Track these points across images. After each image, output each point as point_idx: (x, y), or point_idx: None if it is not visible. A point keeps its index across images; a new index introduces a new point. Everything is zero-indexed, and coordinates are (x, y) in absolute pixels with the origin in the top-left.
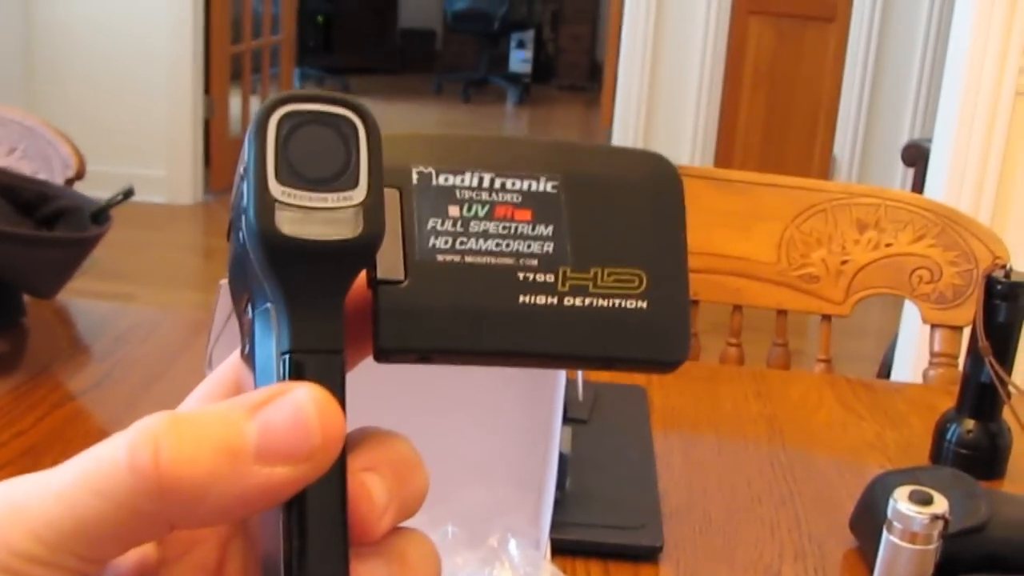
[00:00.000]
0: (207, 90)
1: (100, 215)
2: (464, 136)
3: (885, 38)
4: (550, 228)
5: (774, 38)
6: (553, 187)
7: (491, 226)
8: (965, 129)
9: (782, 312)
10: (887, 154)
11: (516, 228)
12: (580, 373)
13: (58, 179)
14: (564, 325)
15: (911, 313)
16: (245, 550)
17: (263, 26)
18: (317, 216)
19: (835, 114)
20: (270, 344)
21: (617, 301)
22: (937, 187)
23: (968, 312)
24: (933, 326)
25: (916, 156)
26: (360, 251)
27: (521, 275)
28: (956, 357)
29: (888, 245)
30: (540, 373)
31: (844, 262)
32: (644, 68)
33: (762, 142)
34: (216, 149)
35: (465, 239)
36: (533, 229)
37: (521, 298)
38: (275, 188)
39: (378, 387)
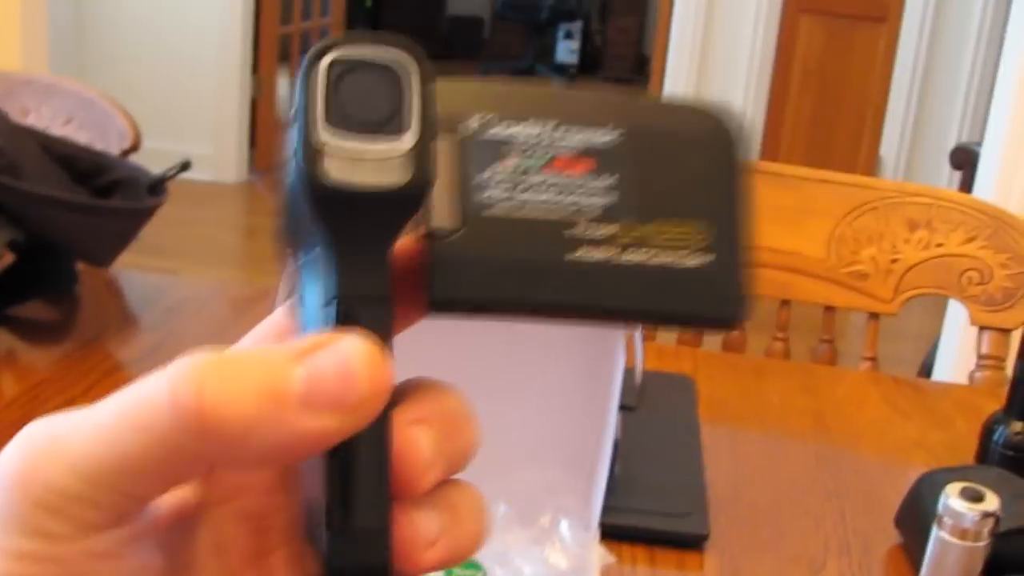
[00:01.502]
0: (255, 70)
1: (156, 187)
2: (526, 85)
3: (936, 39)
4: (610, 180)
5: (824, 37)
6: (615, 138)
7: (549, 177)
8: (1017, 132)
9: (829, 309)
10: (934, 156)
11: (575, 180)
12: (638, 361)
13: (113, 150)
14: (621, 279)
15: (955, 315)
16: (290, 503)
17: (313, 8)
18: (366, 162)
19: (883, 115)
20: (317, 291)
21: (677, 256)
22: (986, 190)
23: (1018, 315)
24: (981, 328)
25: (964, 160)
26: (409, 199)
27: (579, 228)
28: (1004, 360)
29: (939, 245)
30: (598, 359)
31: (894, 261)
32: (692, 63)
33: (808, 141)
34: (262, 129)
35: (522, 190)
36: (592, 181)
37: (578, 251)
38: (323, 133)
39: (434, 365)
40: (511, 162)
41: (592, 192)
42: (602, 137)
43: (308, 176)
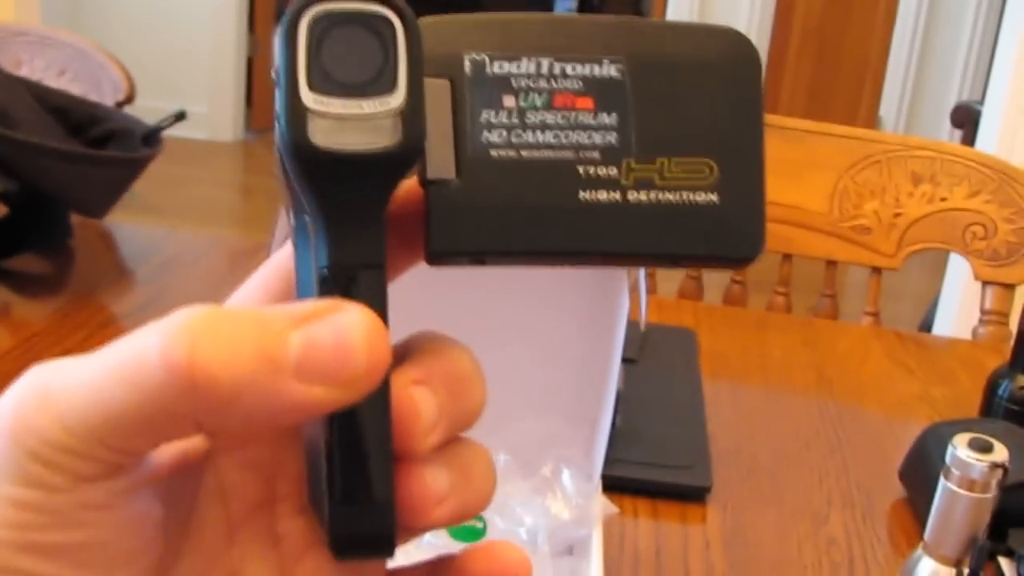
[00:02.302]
0: (251, 28)
1: (151, 137)
2: (521, 17)
3: None
4: (613, 116)
5: None
6: (618, 70)
7: (549, 116)
8: (1019, 89)
9: (831, 263)
10: (934, 115)
11: (576, 118)
12: (643, 313)
13: (108, 102)
14: (628, 221)
15: (955, 271)
16: (297, 453)
17: None
18: (353, 124)
19: (882, 75)
20: (309, 257)
21: (685, 193)
22: (988, 148)
23: (1022, 270)
24: (985, 283)
25: (965, 118)
26: (399, 160)
27: (582, 169)
28: (1007, 315)
29: (943, 199)
30: (601, 310)
31: (897, 215)
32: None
33: (807, 101)
34: (259, 87)
35: (521, 132)
36: (595, 118)
37: (581, 194)
38: (307, 96)
39: (435, 315)
40: (509, 103)
41: (595, 130)
42: (604, 70)
43: (293, 141)
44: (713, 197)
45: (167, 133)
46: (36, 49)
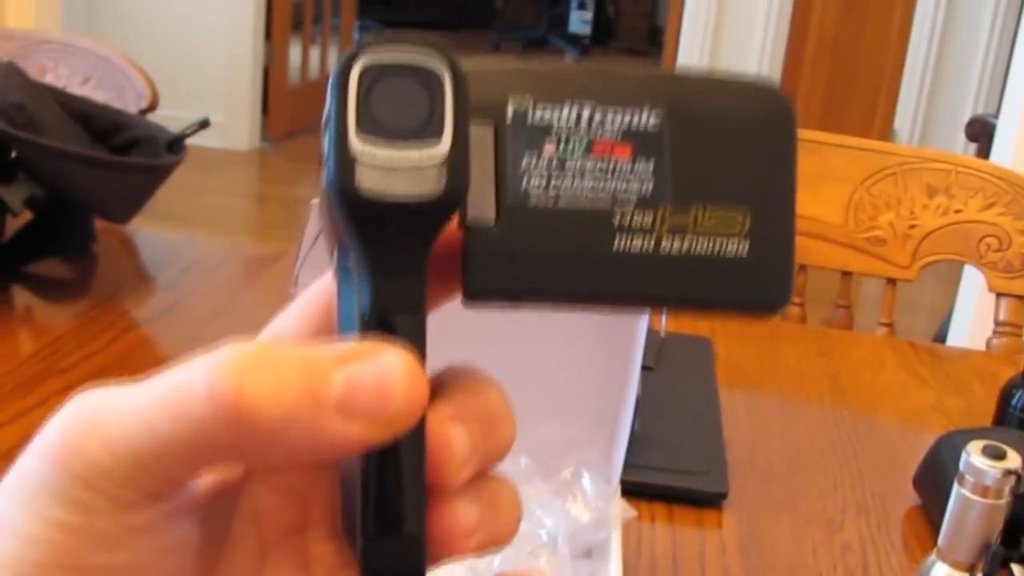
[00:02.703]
0: (268, 37)
1: (175, 145)
2: (564, 66)
3: (952, 10)
4: (650, 164)
5: (839, 8)
6: (656, 120)
7: (588, 164)
8: None
9: (846, 274)
10: (948, 128)
11: (615, 166)
12: (663, 322)
13: (131, 109)
14: (660, 268)
15: (971, 283)
16: (332, 480)
17: None
18: (398, 172)
19: (897, 87)
20: (352, 295)
21: (717, 242)
22: (1003, 161)
23: None
24: (999, 295)
25: (980, 131)
26: (442, 208)
27: (617, 216)
28: (1021, 327)
29: (957, 211)
30: (621, 317)
31: (912, 227)
32: (705, 34)
33: (822, 113)
34: (274, 97)
35: (560, 179)
36: (632, 166)
37: (616, 241)
38: (355, 144)
39: (460, 318)
40: (550, 150)
41: (632, 178)
42: (643, 119)
43: (341, 187)
44: (744, 247)
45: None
46: (60, 57)
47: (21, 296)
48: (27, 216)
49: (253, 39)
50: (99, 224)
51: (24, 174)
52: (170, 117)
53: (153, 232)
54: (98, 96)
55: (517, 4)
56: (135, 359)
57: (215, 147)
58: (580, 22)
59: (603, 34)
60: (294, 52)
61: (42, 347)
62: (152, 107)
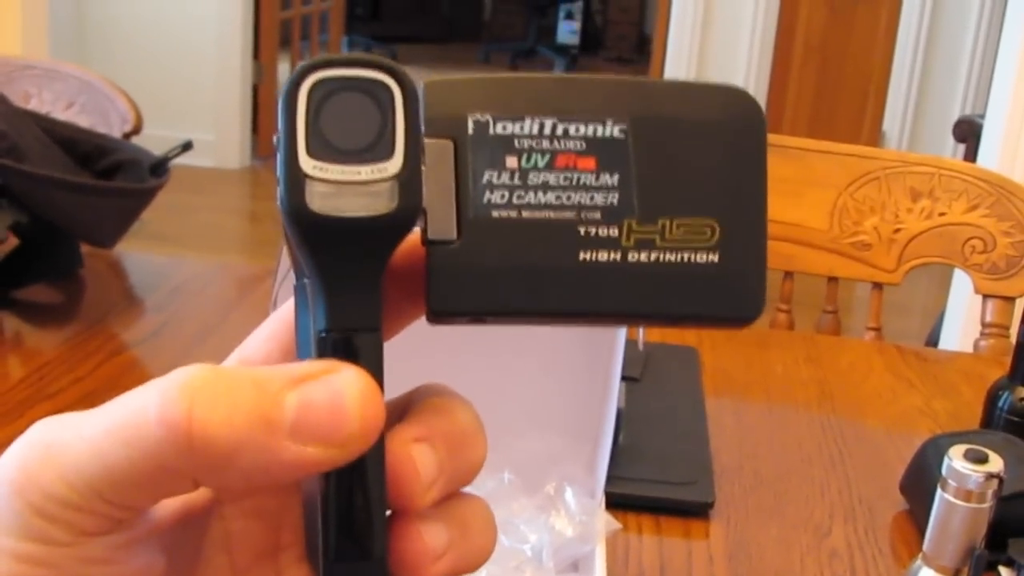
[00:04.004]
0: (256, 55)
1: (159, 167)
2: (525, 77)
3: (938, 12)
4: (615, 177)
5: (825, 11)
6: (620, 131)
7: (551, 177)
8: (1021, 103)
9: (833, 279)
10: (937, 130)
11: (578, 178)
12: (641, 330)
13: (116, 133)
14: (628, 282)
15: (960, 285)
16: (304, 502)
17: None
18: (350, 190)
19: (885, 89)
20: (308, 317)
21: (686, 254)
22: (990, 162)
23: (1021, 283)
24: (985, 296)
25: (968, 132)
26: (396, 226)
27: (582, 230)
28: (1008, 328)
29: (942, 214)
30: (600, 328)
31: (897, 230)
32: (693, 41)
33: (811, 117)
34: (264, 114)
35: (523, 192)
36: (597, 179)
37: (582, 254)
38: (305, 162)
39: (437, 333)
40: (512, 163)
41: (597, 191)
42: (606, 130)
43: (291, 206)
44: (714, 257)
45: (174, 162)
46: (44, 82)
47: (9, 322)
48: (13, 242)
49: (241, 57)
50: (86, 248)
51: (8, 200)
52: (160, 137)
53: (140, 254)
54: (82, 121)
55: (505, 16)
56: (124, 383)
57: (206, 166)
58: (568, 32)
59: (591, 44)
60: (283, 69)
61: (30, 372)
62: (136, 130)
